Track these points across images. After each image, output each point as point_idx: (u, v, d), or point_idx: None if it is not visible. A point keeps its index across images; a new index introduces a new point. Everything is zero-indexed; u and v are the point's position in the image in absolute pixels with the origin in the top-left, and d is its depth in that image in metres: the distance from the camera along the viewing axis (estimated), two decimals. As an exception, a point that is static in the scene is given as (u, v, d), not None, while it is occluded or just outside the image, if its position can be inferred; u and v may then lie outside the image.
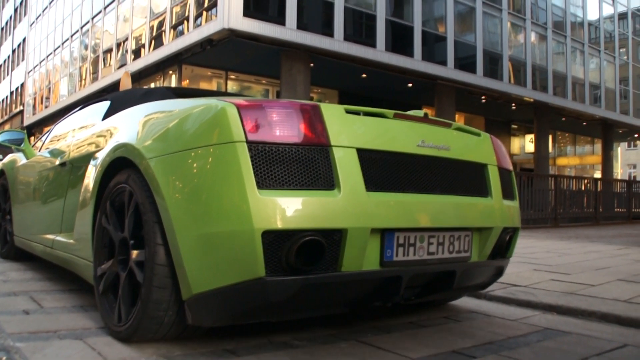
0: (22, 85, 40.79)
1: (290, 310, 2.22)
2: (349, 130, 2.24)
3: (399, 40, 21.33)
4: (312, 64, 19.24)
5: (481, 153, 2.77)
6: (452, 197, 2.51)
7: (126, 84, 12.46)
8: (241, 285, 2.05)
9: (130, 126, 2.68)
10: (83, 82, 29.30)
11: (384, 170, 2.30)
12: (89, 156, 3.03)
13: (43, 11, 36.43)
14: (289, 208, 2.03)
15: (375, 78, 21.68)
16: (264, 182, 2.03)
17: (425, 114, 2.58)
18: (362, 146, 2.24)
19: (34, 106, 38.01)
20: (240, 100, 2.18)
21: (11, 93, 44.21)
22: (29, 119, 38.58)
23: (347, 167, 2.17)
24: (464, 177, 2.62)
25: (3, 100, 46.84)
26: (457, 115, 25.00)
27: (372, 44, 20.36)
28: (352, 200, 2.14)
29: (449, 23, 23.33)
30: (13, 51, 44.00)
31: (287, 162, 2.09)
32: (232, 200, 2.03)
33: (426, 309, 3.35)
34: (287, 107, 2.17)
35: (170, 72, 21.19)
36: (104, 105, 3.68)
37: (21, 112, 40.51)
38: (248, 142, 2.06)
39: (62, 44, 32.35)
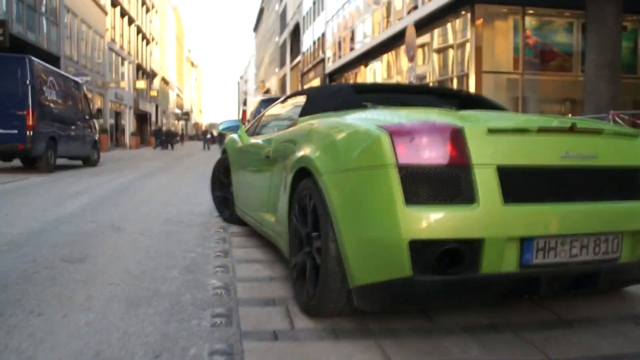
0: (322, 34, 43.36)
1: (437, 301, 2.77)
2: (490, 149, 2.56)
3: None
4: (625, -11, 16.76)
5: (636, 156, 2.91)
6: (597, 204, 2.71)
7: (411, 35, 12.26)
8: (393, 282, 2.52)
9: (312, 140, 3.28)
10: (376, 28, 29.92)
11: (523, 183, 2.59)
12: (285, 156, 3.72)
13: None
14: (432, 220, 2.42)
15: None
16: (411, 199, 2.45)
17: (573, 124, 2.73)
18: (501, 163, 2.55)
19: (333, 54, 40.20)
20: (395, 126, 2.62)
21: (314, 42, 47.39)
22: (329, 67, 40.99)
23: (486, 183, 2.50)
24: (612, 183, 2.82)
25: (308, 49, 50.49)
26: None
27: None
28: (489, 213, 2.47)
29: None
30: (314, 3, 46.86)
31: (432, 181, 2.48)
32: (385, 213, 2.49)
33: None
34: (434, 131, 2.55)
35: (463, 12, 20.39)
36: (302, 100, 4.35)
37: (322, 60, 43.22)
38: (398, 165, 2.49)
39: (357, -9, 33.35)
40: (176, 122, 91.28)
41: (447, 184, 2.49)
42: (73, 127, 16.17)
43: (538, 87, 19.97)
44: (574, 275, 2.72)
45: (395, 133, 2.56)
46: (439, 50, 23.51)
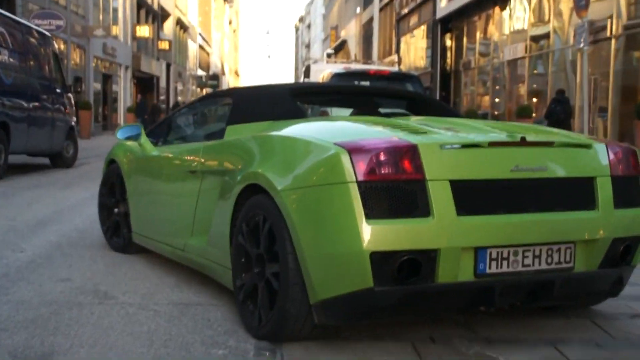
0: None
1: (396, 313, 4.32)
2: (443, 164, 4.11)
3: None
4: None
5: (588, 166, 4.57)
6: (548, 214, 4.35)
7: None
8: (356, 293, 4.06)
9: (261, 155, 4.90)
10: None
11: (475, 196, 4.18)
12: (222, 172, 5.40)
13: None
14: (391, 233, 3.97)
15: None
16: (371, 213, 3.96)
17: (523, 138, 4.31)
18: (454, 177, 4.09)
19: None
20: (353, 144, 4.12)
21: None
22: (442, 9, 40.77)
23: (440, 196, 4.03)
24: (563, 193, 4.45)
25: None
26: None
27: None
28: (443, 225, 4.01)
29: None
30: None
31: (389, 196, 4.01)
32: (347, 228, 4.00)
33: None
34: (390, 149, 4.05)
35: None
36: (225, 103, 6.32)
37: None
38: (358, 181, 3.97)
39: None
40: (198, 89, 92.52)
41: (404, 198, 4.03)
42: (35, 106, 16.57)
43: None
44: (527, 285, 4.36)
45: (354, 151, 4.06)
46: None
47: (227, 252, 5.09)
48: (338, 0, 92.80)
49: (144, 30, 55.49)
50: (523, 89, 32.42)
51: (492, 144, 4.27)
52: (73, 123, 18.85)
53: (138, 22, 56.16)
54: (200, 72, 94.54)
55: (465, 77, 41.00)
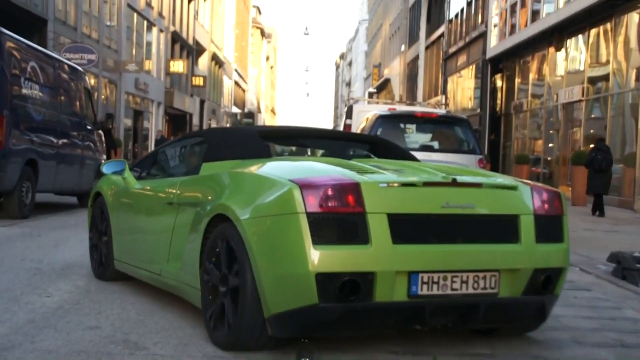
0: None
1: (341, 328, 5.30)
2: (382, 200, 5.20)
3: None
4: None
5: (513, 205, 5.72)
6: (474, 245, 5.47)
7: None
8: (303, 308, 5.08)
9: (227, 187, 6.08)
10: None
11: (410, 227, 5.27)
12: (195, 203, 6.45)
13: None
14: (335, 257, 5.03)
15: None
16: (317, 240, 5.00)
17: (454, 179, 5.45)
18: (391, 211, 5.18)
19: (500, 26, 39.87)
20: (304, 180, 5.21)
21: (468, 4, 47.28)
22: (492, 48, 40.65)
23: (378, 227, 5.09)
24: (489, 228, 5.58)
25: (457, 17, 50.40)
26: None
27: None
28: (380, 251, 5.07)
29: None
30: None
31: (334, 225, 5.07)
32: (296, 251, 5.04)
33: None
34: (336, 186, 5.12)
35: None
36: (203, 144, 7.57)
37: (482, 35, 43.02)
38: (307, 212, 5.02)
39: None
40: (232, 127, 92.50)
41: (347, 228, 5.06)
42: (65, 143, 16.71)
43: None
44: (455, 307, 5.40)
45: (305, 187, 5.09)
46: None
47: (197, 275, 6.09)
48: (381, 38, 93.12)
49: (178, 66, 55.99)
50: (579, 134, 32.13)
51: (427, 184, 5.44)
52: (103, 161, 18.91)
53: (172, 57, 56.64)
54: (235, 110, 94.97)
55: (517, 119, 40.82)
